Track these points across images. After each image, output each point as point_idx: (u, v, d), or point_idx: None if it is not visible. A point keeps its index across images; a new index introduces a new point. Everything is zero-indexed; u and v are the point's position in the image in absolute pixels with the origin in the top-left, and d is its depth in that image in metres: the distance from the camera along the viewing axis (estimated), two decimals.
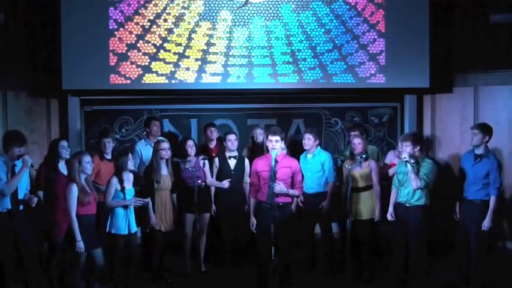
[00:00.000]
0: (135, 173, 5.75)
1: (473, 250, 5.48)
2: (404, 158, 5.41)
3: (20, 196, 5.28)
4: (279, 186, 5.16)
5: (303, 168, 6.08)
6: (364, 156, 5.84)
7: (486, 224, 5.41)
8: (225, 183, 6.24)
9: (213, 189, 6.36)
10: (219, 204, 6.36)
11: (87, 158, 5.19)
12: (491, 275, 5.67)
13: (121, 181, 5.44)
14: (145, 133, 6.81)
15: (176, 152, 6.16)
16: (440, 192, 5.90)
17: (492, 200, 5.42)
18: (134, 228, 5.54)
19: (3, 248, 5.19)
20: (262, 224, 5.26)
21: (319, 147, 6.23)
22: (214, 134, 6.74)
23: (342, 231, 6.23)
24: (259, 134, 6.73)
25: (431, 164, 5.51)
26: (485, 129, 5.54)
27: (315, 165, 6.11)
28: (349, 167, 5.70)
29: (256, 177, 5.42)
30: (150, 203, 5.79)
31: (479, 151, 5.53)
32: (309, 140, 6.11)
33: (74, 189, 5.05)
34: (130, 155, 5.62)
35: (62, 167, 5.57)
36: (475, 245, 5.47)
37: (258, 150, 6.57)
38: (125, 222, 5.44)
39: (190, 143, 6.15)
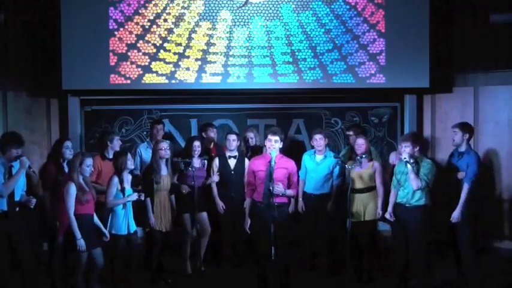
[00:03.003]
0: (134, 174, 5.74)
1: (461, 250, 5.52)
2: (404, 158, 5.40)
3: (17, 198, 5.24)
4: (278, 188, 5.16)
5: (310, 169, 6.08)
6: (364, 156, 5.83)
7: (455, 215, 5.41)
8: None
9: (214, 189, 6.33)
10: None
11: (88, 161, 5.18)
12: (489, 275, 5.67)
13: (121, 181, 5.45)
14: (145, 133, 6.79)
15: (181, 152, 6.15)
16: (440, 192, 5.89)
17: (464, 188, 5.43)
18: (133, 228, 5.54)
19: None
20: (260, 224, 5.26)
21: (327, 148, 6.22)
22: (212, 134, 6.73)
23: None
24: (249, 137, 6.68)
25: (430, 164, 5.51)
26: (465, 128, 5.65)
27: (325, 168, 6.08)
28: (349, 167, 5.70)
29: (253, 177, 5.41)
30: (150, 203, 5.79)
31: (462, 149, 5.61)
32: (320, 140, 6.08)
33: (72, 189, 5.05)
34: (129, 154, 5.62)
35: (66, 168, 5.57)
36: (462, 245, 5.50)
37: (253, 152, 6.57)
38: (125, 222, 5.45)
39: (197, 143, 6.15)
